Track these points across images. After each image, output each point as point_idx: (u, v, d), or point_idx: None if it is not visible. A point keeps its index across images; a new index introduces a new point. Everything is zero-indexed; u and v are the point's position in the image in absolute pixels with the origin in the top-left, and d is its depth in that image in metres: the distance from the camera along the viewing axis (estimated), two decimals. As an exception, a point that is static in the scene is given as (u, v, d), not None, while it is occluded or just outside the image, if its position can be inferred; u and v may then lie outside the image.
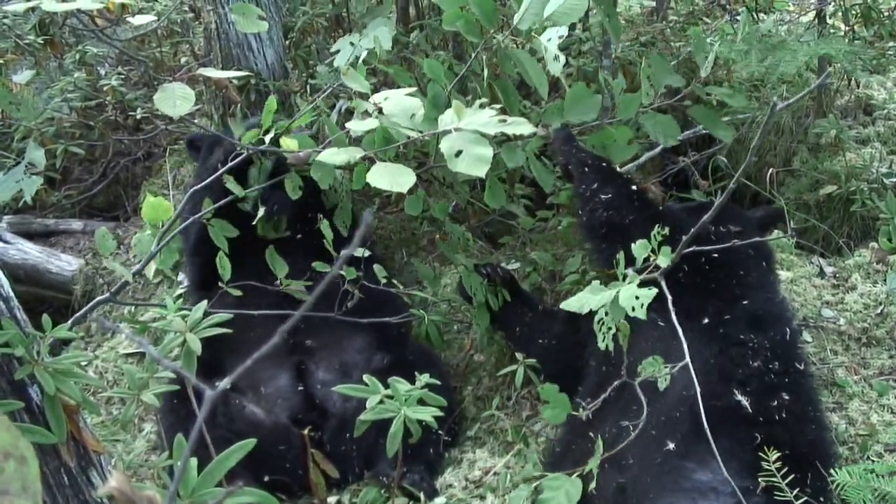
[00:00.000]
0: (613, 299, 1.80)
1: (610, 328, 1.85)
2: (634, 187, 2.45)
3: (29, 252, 3.92)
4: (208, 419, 2.49)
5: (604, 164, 2.50)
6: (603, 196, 2.38)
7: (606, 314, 1.89)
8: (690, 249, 2.11)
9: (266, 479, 2.46)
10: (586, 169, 2.46)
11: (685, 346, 1.88)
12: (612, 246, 2.27)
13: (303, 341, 2.73)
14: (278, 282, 2.62)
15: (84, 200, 4.43)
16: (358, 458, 2.59)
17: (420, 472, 2.49)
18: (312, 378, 2.65)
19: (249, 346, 2.51)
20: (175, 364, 1.18)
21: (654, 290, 1.81)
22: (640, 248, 1.90)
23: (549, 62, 2.14)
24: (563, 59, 2.12)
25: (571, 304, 1.89)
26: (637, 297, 1.77)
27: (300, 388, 2.62)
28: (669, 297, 1.86)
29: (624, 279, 1.90)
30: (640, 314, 1.76)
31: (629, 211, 2.36)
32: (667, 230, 2.02)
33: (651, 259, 1.98)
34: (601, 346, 1.91)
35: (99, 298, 2.20)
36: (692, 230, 2.05)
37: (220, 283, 2.45)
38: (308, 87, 3.51)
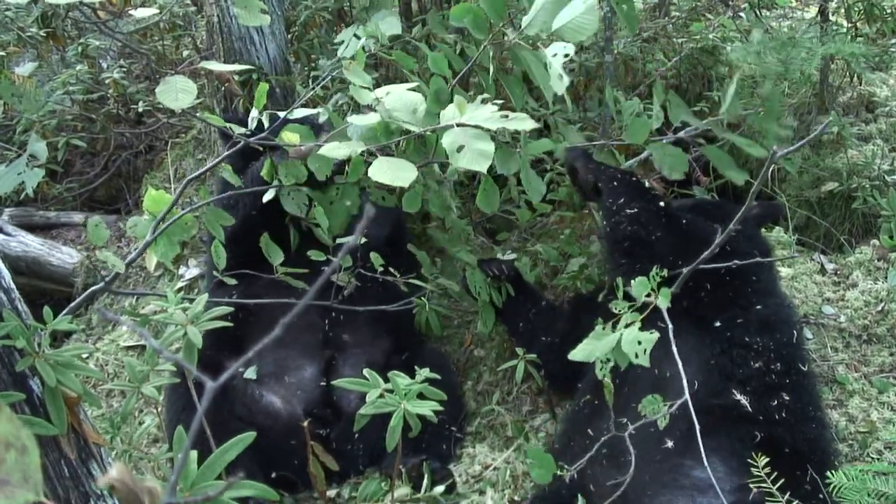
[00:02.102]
0: (616, 345, 1.79)
1: (608, 360, 1.85)
2: (662, 203, 2.40)
3: (30, 244, 3.93)
4: (226, 409, 2.50)
5: (633, 178, 2.47)
6: (629, 210, 2.34)
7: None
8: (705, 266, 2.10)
9: (273, 475, 2.46)
10: (615, 183, 2.42)
11: (678, 358, 1.87)
12: (634, 261, 2.27)
13: (340, 335, 2.72)
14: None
15: (85, 193, 4.44)
16: (363, 458, 2.60)
17: (438, 462, 2.50)
18: (337, 374, 2.62)
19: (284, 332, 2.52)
20: (176, 356, 1.17)
21: (656, 335, 1.80)
22: (639, 287, 1.89)
23: (552, 80, 2.05)
24: (566, 79, 2.03)
25: (578, 355, 1.87)
26: (640, 342, 1.76)
27: (322, 382, 2.62)
28: (671, 327, 1.85)
29: (626, 298, 1.89)
30: (643, 361, 1.76)
31: (655, 227, 2.32)
32: (667, 271, 2.00)
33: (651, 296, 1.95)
34: (599, 375, 1.91)
35: (94, 287, 2.20)
36: (707, 250, 2.03)
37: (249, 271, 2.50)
38: (310, 81, 3.50)
